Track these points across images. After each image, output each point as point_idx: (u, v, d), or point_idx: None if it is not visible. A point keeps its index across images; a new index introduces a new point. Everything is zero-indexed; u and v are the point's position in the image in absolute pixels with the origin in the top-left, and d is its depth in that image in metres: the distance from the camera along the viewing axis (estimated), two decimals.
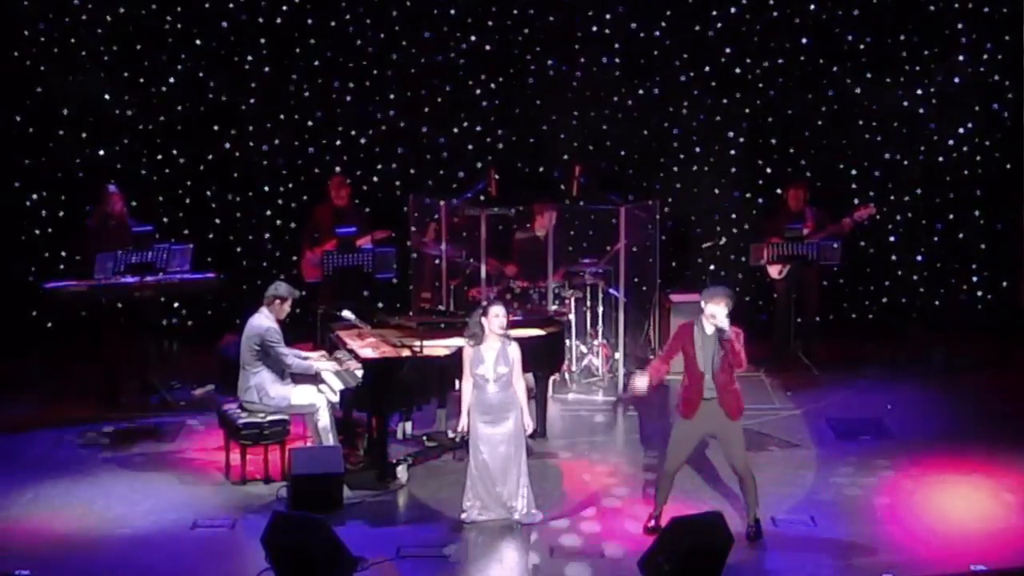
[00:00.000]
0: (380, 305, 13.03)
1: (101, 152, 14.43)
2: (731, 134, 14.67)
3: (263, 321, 10.19)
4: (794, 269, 13.25)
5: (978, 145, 14.58)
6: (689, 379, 8.88)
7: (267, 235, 14.72)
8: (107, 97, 14.36)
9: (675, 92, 14.61)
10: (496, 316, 9.21)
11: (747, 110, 14.65)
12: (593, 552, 8.84)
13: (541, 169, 14.64)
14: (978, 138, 14.59)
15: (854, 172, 14.67)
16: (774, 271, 13.37)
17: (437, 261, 13.06)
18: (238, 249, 14.67)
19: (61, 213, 14.41)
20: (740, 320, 8.87)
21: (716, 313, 8.66)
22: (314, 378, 10.42)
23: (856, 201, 13.76)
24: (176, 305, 14.42)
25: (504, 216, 13.26)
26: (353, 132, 14.66)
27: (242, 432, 10.04)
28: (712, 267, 14.03)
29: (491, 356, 9.20)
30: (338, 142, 14.67)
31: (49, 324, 14.29)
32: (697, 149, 14.68)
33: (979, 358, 13.64)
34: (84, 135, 14.40)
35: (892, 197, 14.67)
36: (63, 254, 14.17)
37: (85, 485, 10.09)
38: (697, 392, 8.83)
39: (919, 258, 14.82)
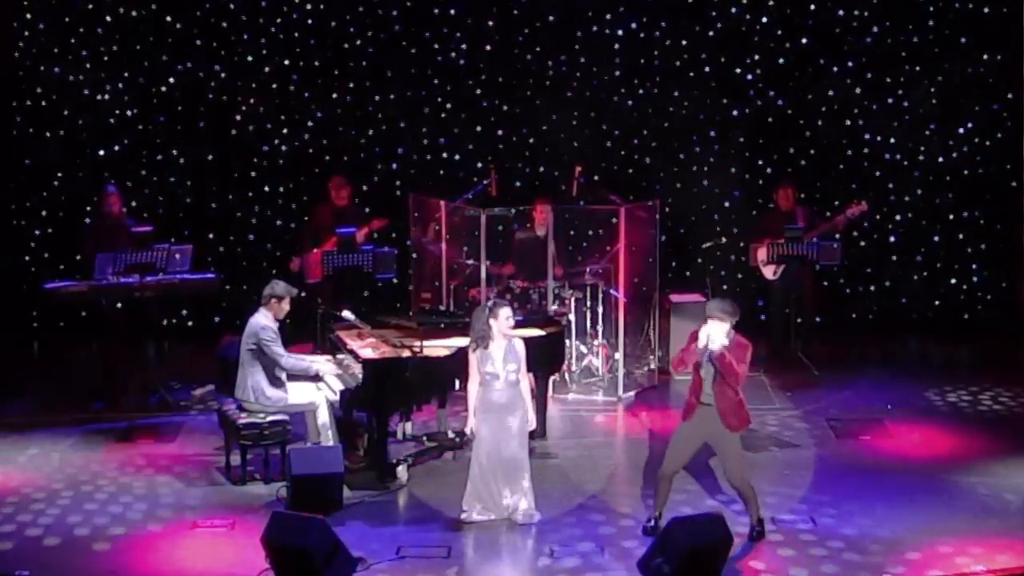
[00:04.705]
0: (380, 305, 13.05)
1: (101, 152, 14.44)
2: (731, 134, 14.67)
3: (260, 320, 10.18)
4: (790, 270, 13.25)
5: (978, 145, 14.58)
6: (692, 381, 8.89)
7: (267, 235, 14.72)
8: (107, 97, 14.38)
9: (675, 92, 14.62)
10: (507, 318, 9.22)
11: (747, 110, 14.65)
12: (593, 552, 8.84)
13: (541, 169, 14.65)
14: (978, 138, 14.59)
15: (854, 172, 14.67)
16: (768, 272, 13.36)
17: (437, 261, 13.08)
18: (238, 249, 14.67)
19: (61, 213, 14.42)
20: (739, 320, 8.84)
21: (710, 332, 8.63)
22: (313, 377, 10.41)
23: (855, 201, 13.76)
24: (176, 305, 14.41)
25: (504, 216, 13.26)
26: (353, 132, 14.67)
27: (242, 432, 10.04)
28: (712, 267, 14.03)
29: (499, 354, 9.20)
30: (338, 142, 14.67)
31: (49, 324, 14.29)
32: (697, 149, 14.68)
33: (979, 358, 13.64)
34: (84, 135, 14.41)
35: (892, 197, 14.68)
36: (63, 254, 14.17)
37: (85, 485, 10.08)
38: (695, 395, 8.83)
39: (919, 258, 14.82)
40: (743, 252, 14.05)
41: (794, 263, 13.15)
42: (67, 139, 14.40)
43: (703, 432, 8.90)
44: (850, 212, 13.24)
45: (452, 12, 14.51)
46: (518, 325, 10.79)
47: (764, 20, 14.47)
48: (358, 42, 14.54)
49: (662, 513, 9.02)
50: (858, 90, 14.52)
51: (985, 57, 14.38)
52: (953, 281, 14.85)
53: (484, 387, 9.25)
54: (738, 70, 14.58)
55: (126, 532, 9.19)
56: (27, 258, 14.47)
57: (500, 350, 9.22)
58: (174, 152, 14.57)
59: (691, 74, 14.60)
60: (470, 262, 12.85)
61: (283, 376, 10.23)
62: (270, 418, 10.08)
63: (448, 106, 14.65)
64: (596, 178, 14.04)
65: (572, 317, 12.69)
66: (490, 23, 14.56)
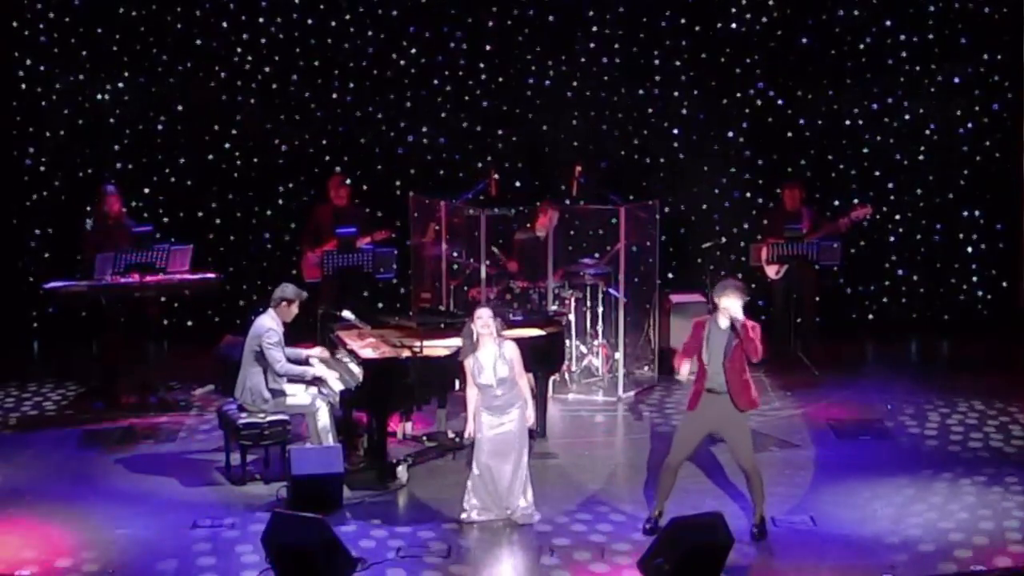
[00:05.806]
0: (380, 305, 13.05)
1: (101, 152, 14.44)
2: (731, 134, 14.67)
3: (265, 322, 10.16)
4: (792, 270, 13.26)
5: (978, 145, 14.58)
6: (698, 372, 8.94)
7: (267, 235, 14.72)
8: (107, 97, 14.38)
9: (675, 92, 14.62)
10: (479, 317, 9.20)
11: (747, 110, 14.65)
12: (593, 552, 8.84)
13: (541, 169, 14.65)
14: (978, 138, 14.59)
15: (854, 172, 14.67)
16: (771, 271, 13.38)
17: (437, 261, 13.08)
18: (238, 249, 14.66)
19: (61, 213, 14.42)
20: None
21: (730, 306, 8.73)
22: (313, 381, 10.39)
23: (856, 201, 13.78)
24: (176, 305, 14.41)
25: (504, 216, 13.27)
26: (353, 132, 14.67)
27: (242, 432, 10.03)
28: (712, 267, 14.03)
29: (489, 362, 9.18)
30: (338, 142, 14.67)
31: (49, 324, 14.29)
32: (697, 149, 14.68)
33: (979, 358, 13.64)
34: (84, 135, 14.41)
35: (892, 197, 14.68)
36: (63, 254, 14.17)
37: (85, 485, 10.09)
38: (701, 383, 8.88)
39: (919, 258, 14.82)
40: (743, 252, 14.06)
41: (795, 264, 13.15)
42: (67, 139, 14.40)
43: (710, 420, 8.93)
44: (854, 215, 13.25)
45: (452, 12, 14.51)
46: (518, 325, 10.84)
47: (764, 20, 14.47)
48: (358, 42, 14.54)
49: (662, 512, 9.03)
50: (858, 90, 14.52)
51: (985, 57, 14.38)
52: (953, 281, 14.85)
53: (482, 393, 9.24)
54: (738, 70, 14.58)
55: (126, 532, 9.17)
56: (27, 258, 14.47)
57: (490, 357, 9.18)
58: (174, 152, 14.57)
59: (691, 74, 14.60)
60: (471, 261, 12.86)
61: (282, 381, 10.20)
62: (270, 418, 10.07)
63: (448, 106, 14.65)
64: (596, 178, 14.04)
65: (572, 317, 12.69)
66: (490, 23, 14.56)
